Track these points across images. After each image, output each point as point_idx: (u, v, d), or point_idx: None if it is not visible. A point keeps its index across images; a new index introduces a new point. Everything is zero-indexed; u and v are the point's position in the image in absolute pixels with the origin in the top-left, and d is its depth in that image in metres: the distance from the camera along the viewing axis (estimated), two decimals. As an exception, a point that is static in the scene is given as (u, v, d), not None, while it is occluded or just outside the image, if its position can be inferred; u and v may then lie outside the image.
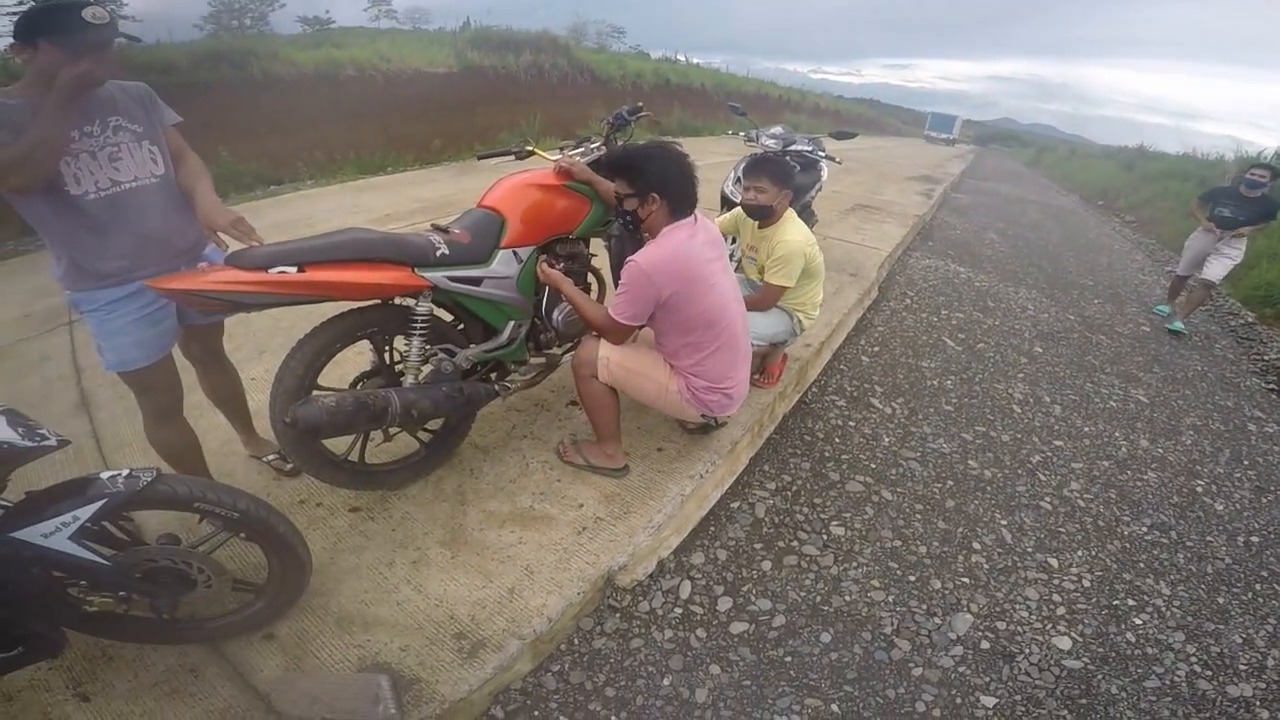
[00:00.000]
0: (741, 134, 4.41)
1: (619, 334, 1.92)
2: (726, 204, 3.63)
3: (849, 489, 2.46)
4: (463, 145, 8.03)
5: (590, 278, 2.40)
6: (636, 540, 1.91)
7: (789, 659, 1.77)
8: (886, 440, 2.81)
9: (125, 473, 1.25)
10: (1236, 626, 2.07)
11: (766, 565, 2.07)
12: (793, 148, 3.97)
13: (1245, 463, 3.07)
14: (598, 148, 2.41)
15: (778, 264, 2.42)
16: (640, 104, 2.69)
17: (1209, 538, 2.48)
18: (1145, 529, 2.48)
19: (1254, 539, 2.51)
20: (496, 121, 9.15)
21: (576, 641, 1.75)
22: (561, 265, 2.10)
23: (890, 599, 2.00)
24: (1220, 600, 2.18)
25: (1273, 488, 2.88)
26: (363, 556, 1.81)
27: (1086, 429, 3.14)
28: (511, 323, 2.01)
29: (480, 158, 2.59)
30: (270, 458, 2.13)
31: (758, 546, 2.14)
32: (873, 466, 2.62)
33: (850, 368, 3.44)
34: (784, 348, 2.76)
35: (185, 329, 1.78)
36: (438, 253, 1.78)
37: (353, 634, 1.59)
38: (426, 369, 1.91)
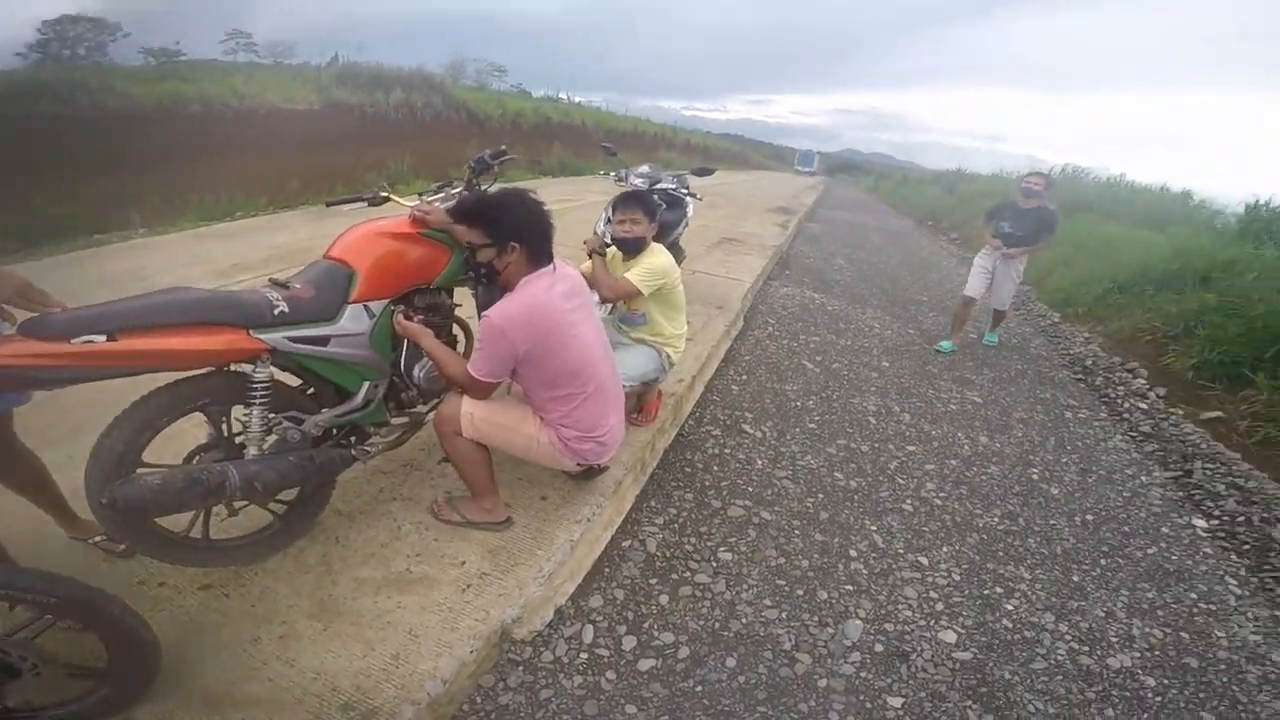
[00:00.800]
0: (613, 174, 4.56)
1: (480, 390, 1.87)
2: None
3: (731, 514, 2.54)
4: (323, 187, 7.58)
5: (456, 329, 2.32)
6: (528, 591, 1.87)
7: (700, 689, 1.78)
8: (760, 463, 2.95)
9: None
10: (1096, 601, 2.31)
11: (664, 599, 2.08)
12: (659, 186, 4.17)
13: (1069, 448, 3.53)
14: (459, 192, 2.37)
15: (642, 270, 2.49)
16: (504, 147, 2.67)
17: (1052, 520, 2.78)
18: (997, 519, 2.74)
19: (1089, 517, 2.85)
20: (362, 161, 8.77)
21: (479, 700, 1.68)
22: (421, 318, 2.01)
23: (784, 615, 2.07)
24: (1075, 578, 2.42)
25: (1094, 468, 3.32)
26: (222, 635, 1.66)
27: (934, 432, 3.49)
28: (366, 383, 1.89)
29: (329, 204, 2.45)
30: (98, 539, 1.85)
31: (653, 581, 2.15)
32: (750, 489, 2.73)
33: (722, 397, 3.59)
34: (657, 385, 2.83)
35: None
36: (276, 311, 1.63)
37: (224, 714, 1.47)
38: (272, 439, 1.74)
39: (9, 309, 1.34)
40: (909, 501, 2.80)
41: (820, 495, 2.76)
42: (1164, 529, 2.85)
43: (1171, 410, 4.12)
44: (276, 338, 1.63)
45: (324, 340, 1.74)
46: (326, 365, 1.79)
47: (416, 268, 2.00)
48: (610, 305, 2.80)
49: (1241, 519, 2.92)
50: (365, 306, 1.84)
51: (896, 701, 1.81)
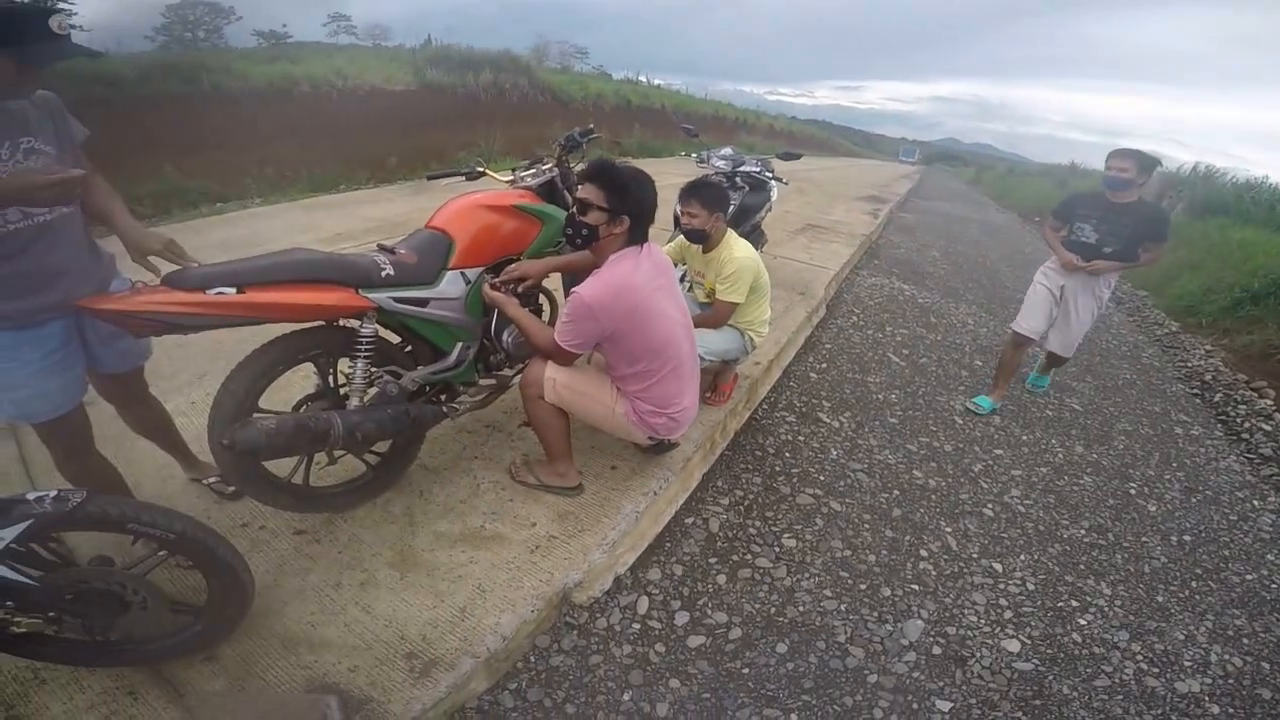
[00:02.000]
0: (694, 155, 4.52)
1: (563, 358, 1.93)
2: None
3: (799, 501, 2.51)
4: (419, 164, 7.96)
5: (541, 299, 2.41)
6: (591, 558, 1.91)
7: (746, 670, 1.79)
8: (834, 453, 2.89)
9: (53, 493, 1.23)
10: (1177, 624, 2.16)
11: (722, 579, 2.09)
12: (742, 169, 4.10)
13: (1174, 465, 3.25)
14: (550, 169, 2.44)
15: (727, 281, 2.49)
16: (592, 125, 2.73)
17: (1144, 538, 2.60)
18: (1084, 531, 2.59)
19: (1186, 538, 2.64)
20: (455, 140, 9.11)
21: (533, 659, 1.73)
22: (510, 286, 2.10)
23: (843, 608, 2.04)
24: (1159, 599, 2.27)
25: (1200, 488, 3.06)
26: (308, 579, 1.78)
27: (1025, 437, 3.29)
28: (460, 344, 2.00)
29: (429, 178, 2.58)
30: (211, 480, 2.06)
31: (712, 561, 2.16)
32: (822, 479, 2.68)
33: (799, 384, 3.52)
34: (735, 365, 2.82)
35: (100, 376, 1.69)
36: (383, 273, 1.76)
37: (299, 655, 1.56)
38: (372, 391, 1.88)
39: (156, 263, 1.52)
40: (990, 506, 2.66)
41: (895, 491, 2.67)
42: (1270, 557, 2.59)
43: (1302, 434, 3.68)
44: (382, 297, 1.76)
45: (424, 302, 1.86)
46: (425, 325, 1.90)
47: (509, 239, 2.10)
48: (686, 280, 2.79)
49: (1366, 556, 2.58)
50: (462, 273, 1.96)
51: (945, 705, 1.76)
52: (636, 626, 1.88)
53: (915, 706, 1.75)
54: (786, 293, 4.46)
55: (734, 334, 2.63)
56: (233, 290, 1.48)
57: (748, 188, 4.05)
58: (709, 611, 1.96)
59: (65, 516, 1.22)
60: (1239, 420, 3.90)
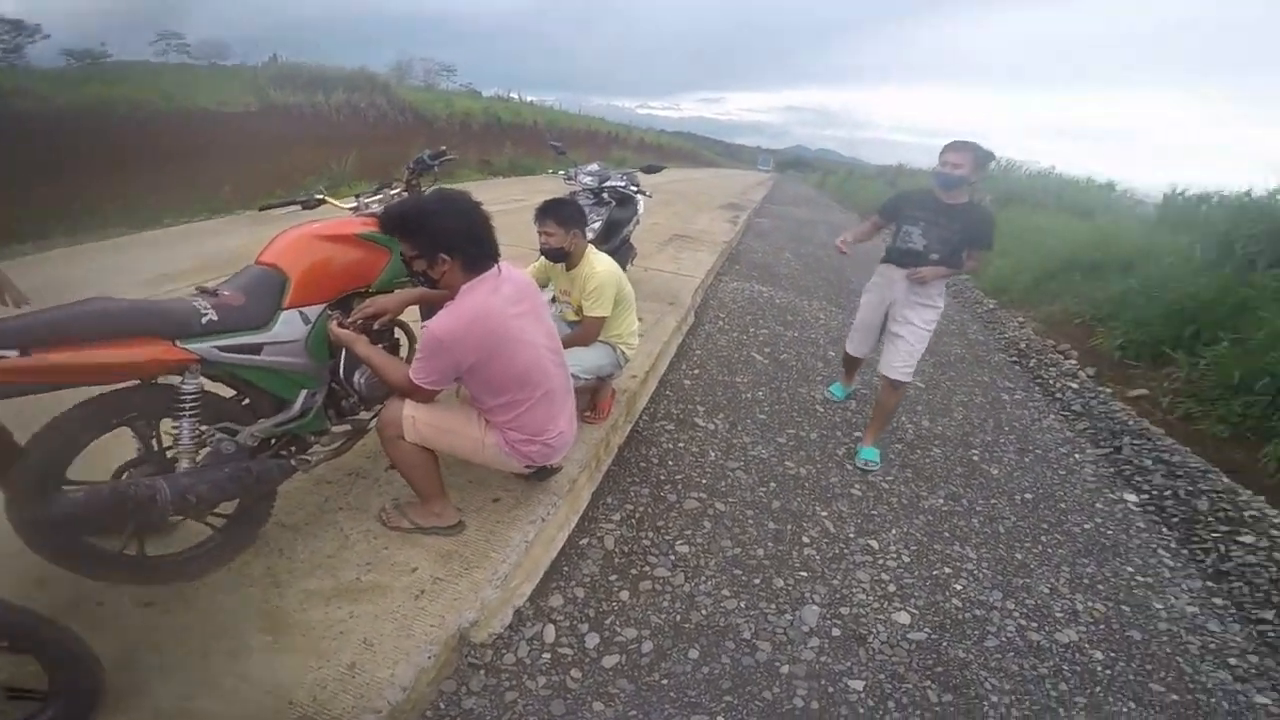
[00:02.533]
0: (561, 172, 4.53)
1: (421, 396, 1.82)
2: None
3: (687, 507, 2.57)
4: (259, 192, 7.27)
5: (398, 332, 2.27)
6: (484, 595, 1.85)
7: (666, 682, 1.79)
8: (713, 455, 2.99)
9: None
10: (1039, 578, 2.40)
11: (625, 595, 2.08)
12: (608, 184, 4.16)
13: (1006, 429, 3.69)
14: (399, 194, 2.32)
15: (591, 296, 2.51)
16: (444, 147, 2.63)
17: (993, 500, 2.90)
18: (941, 500, 2.84)
19: (1028, 495, 2.98)
20: (303, 165, 8.44)
21: (443, 705, 1.66)
22: (358, 323, 1.94)
23: (742, 605, 2.10)
24: (1019, 556, 2.52)
25: (1031, 448, 3.48)
26: (167, 655, 1.61)
27: (878, 418, 3.60)
28: (304, 391, 1.83)
29: (262, 208, 2.36)
30: None
31: (613, 578, 2.15)
32: (704, 482, 2.76)
33: (675, 392, 3.62)
34: (611, 381, 2.83)
35: None
36: (203, 319, 1.57)
37: None
38: (205, 451, 1.67)
39: None
40: (857, 486, 2.88)
41: (772, 484, 2.81)
42: (1098, 505, 3.00)
43: (1100, 389, 4.36)
44: (205, 347, 1.57)
45: (256, 348, 1.68)
46: (260, 374, 1.72)
47: (352, 271, 1.95)
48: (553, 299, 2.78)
49: (1169, 493, 3.10)
50: (300, 312, 1.79)
51: (858, 684, 1.85)
52: (547, 656, 1.83)
53: (830, 689, 1.82)
54: (658, 304, 4.58)
55: (605, 349, 2.64)
56: (15, 352, 1.27)
57: (615, 202, 4.12)
58: (618, 629, 1.95)
59: None
60: (1051, 381, 4.54)
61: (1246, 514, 2.83)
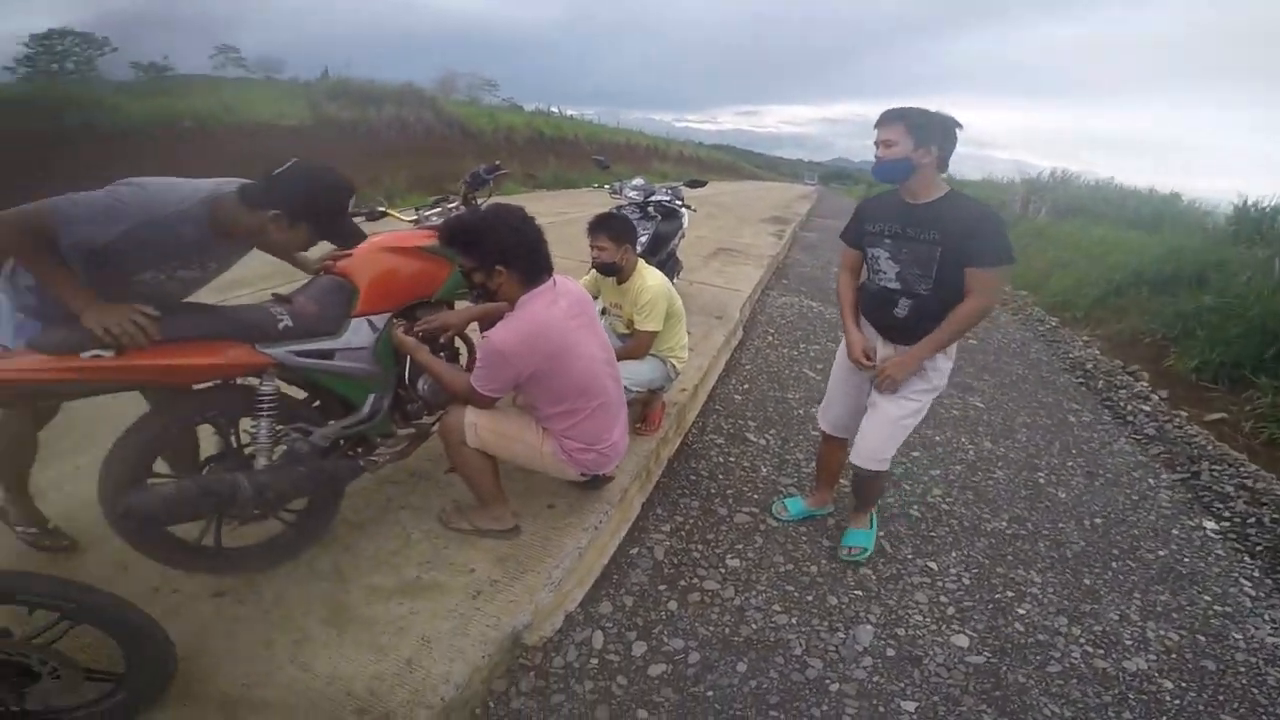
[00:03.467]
0: (607, 187, 4.57)
1: (481, 403, 1.87)
2: None
3: (738, 521, 2.53)
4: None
5: (458, 341, 2.32)
6: (538, 598, 1.87)
7: (711, 694, 1.77)
8: (765, 470, 2.94)
9: None
10: (1109, 604, 2.29)
11: (673, 605, 2.07)
12: (653, 198, 4.18)
13: (1074, 451, 3.53)
14: (456, 207, 2.38)
15: (644, 310, 2.51)
16: (498, 162, 2.70)
17: (1060, 524, 2.77)
18: (1005, 523, 2.73)
19: (1098, 520, 2.84)
20: (355, 178, 8.77)
21: (493, 705, 1.68)
22: (421, 331, 2.00)
23: (794, 620, 2.05)
24: (1087, 581, 2.41)
25: (1100, 471, 3.32)
26: (236, 641, 1.67)
27: (937, 438, 3.48)
28: (372, 395, 1.88)
29: (327, 219, 2.45)
30: (28, 531, 1.85)
31: (662, 588, 2.14)
32: (756, 497, 2.71)
33: (724, 406, 3.58)
34: (662, 394, 2.83)
35: None
36: (280, 325, 1.64)
37: (240, 717, 1.49)
38: (280, 449, 1.74)
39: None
40: (915, 507, 2.78)
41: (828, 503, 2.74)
42: (1174, 531, 2.84)
43: (1175, 413, 4.14)
44: (281, 352, 1.64)
45: (328, 354, 1.75)
46: (331, 378, 1.78)
47: (417, 282, 2.01)
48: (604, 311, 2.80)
49: (1252, 520, 2.92)
50: (368, 320, 1.84)
51: (910, 705, 1.79)
52: (595, 661, 1.83)
53: (882, 709, 1.77)
54: (705, 317, 4.56)
55: (656, 362, 2.65)
56: (110, 352, 1.35)
57: (660, 216, 4.13)
58: (665, 639, 1.93)
59: None
60: (1122, 404, 4.32)
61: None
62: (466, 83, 21.33)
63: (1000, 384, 4.50)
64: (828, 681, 1.85)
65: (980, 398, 4.17)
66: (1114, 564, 2.55)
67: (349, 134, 10.94)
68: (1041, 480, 3.17)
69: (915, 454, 3.24)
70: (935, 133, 1.81)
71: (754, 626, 2.01)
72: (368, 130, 11.43)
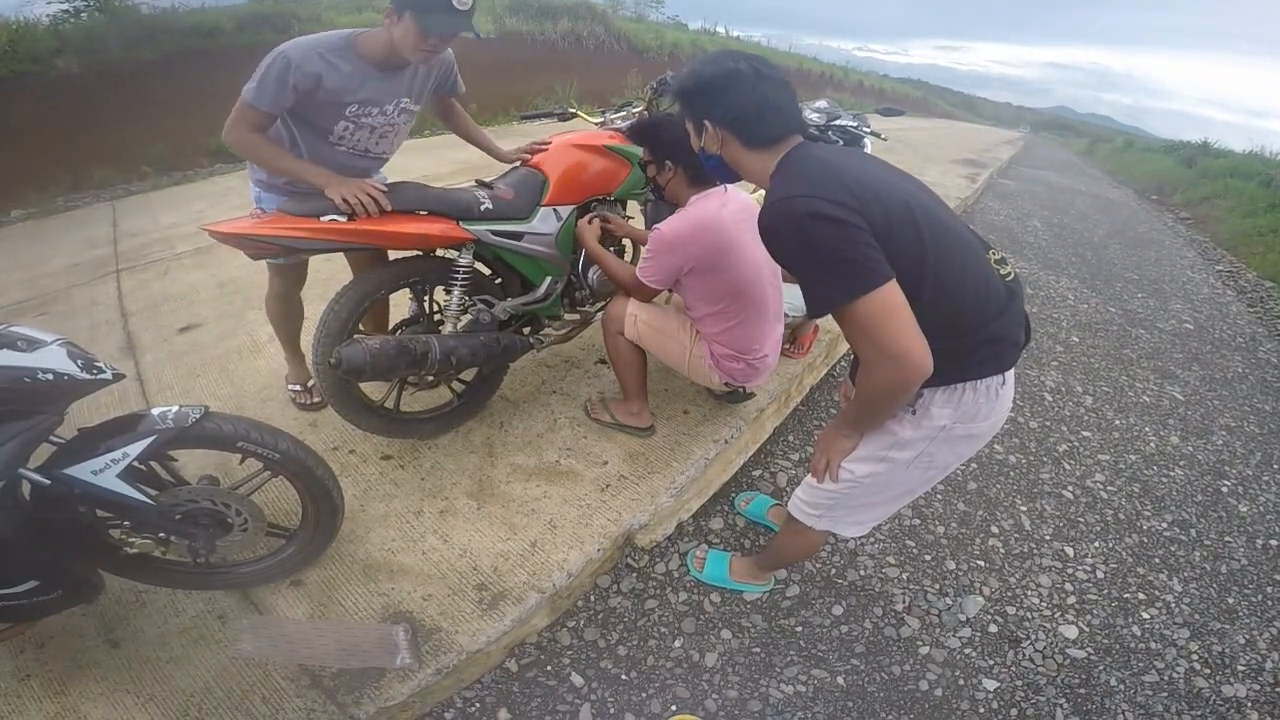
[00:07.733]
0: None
1: (643, 294, 1.95)
2: None
3: (870, 465, 2.47)
4: (499, 110, 8.02)
5: (625, 242, 2.43)
6: (659, 500, 1.92)
7: (800, 629, 1.80)
8: (910, 416, 2.80)
9: (175, 409, 1.24)
10: (1242, 627, 2.05)
11: (785, 535, 2.11)
12: (836, 122, 3.90)
13: (1276, 467, 2.99)
14: (640, 112, 2.43)
15: None
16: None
17: (1228, 538, 2.44)
18: (1165, 525, 2.45)
19: (1273, 542, 2.46)
20: (533, 87, 9.08)
21: (593, 599, 1.78)
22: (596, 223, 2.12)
23: (904, 576, 2.02)
24: (1230, 600, 2.14)
25: (1303, 495, 2.80)
26: (392, 504, 1.85)
27: (1117, 422, 3.10)
28: (548, 278, 2.06)
29: (522, 119, 2.63)
30: (293, 388, 2.23)
31: (777, 516, 2.17)
32: (897, 444, 2.62)
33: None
34: (816, 319, 2.76)
35: None
36: (482, 207, 1.83)
37: (378, 583, 1.61)
38: (465, 319, 1.97)
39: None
40: (1070, 489, 2.54)
41: (973, 464, 2.58)
42: None
43: None
44: (481, 230, 1.83)
45: (519, 236, 1.93)
46: (518, 258, 1.97)
47: (600, 179, 2.14)
48: None
49: None
50: (555, 210, 2.01)
51: (991, 684, 1.73)
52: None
53: (962, 683, 1.73)
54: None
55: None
56: (344, 218, 1.58)
57: (841, 142, 3.87)
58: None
59: (185, 432, 1.22)
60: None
61: None
62: (634, -1, 20.82)
63: (1209, 378, 3.83)
64: (919, 644, 1.81)
65: (1181, 388, 3.59)
66: (1269, 589, 2.21)
67: (527, 46, 11.25)
68: (1225, 489, 2.74)
69: (1086, 434, 2.93)
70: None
71: (861, 573, 2.00)
72: (544, 42, 11.68)
